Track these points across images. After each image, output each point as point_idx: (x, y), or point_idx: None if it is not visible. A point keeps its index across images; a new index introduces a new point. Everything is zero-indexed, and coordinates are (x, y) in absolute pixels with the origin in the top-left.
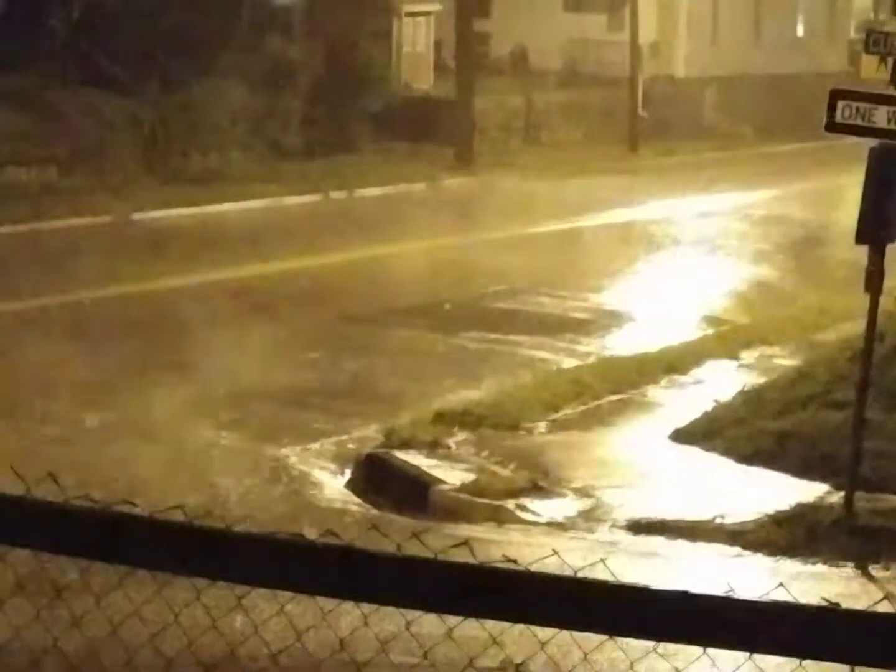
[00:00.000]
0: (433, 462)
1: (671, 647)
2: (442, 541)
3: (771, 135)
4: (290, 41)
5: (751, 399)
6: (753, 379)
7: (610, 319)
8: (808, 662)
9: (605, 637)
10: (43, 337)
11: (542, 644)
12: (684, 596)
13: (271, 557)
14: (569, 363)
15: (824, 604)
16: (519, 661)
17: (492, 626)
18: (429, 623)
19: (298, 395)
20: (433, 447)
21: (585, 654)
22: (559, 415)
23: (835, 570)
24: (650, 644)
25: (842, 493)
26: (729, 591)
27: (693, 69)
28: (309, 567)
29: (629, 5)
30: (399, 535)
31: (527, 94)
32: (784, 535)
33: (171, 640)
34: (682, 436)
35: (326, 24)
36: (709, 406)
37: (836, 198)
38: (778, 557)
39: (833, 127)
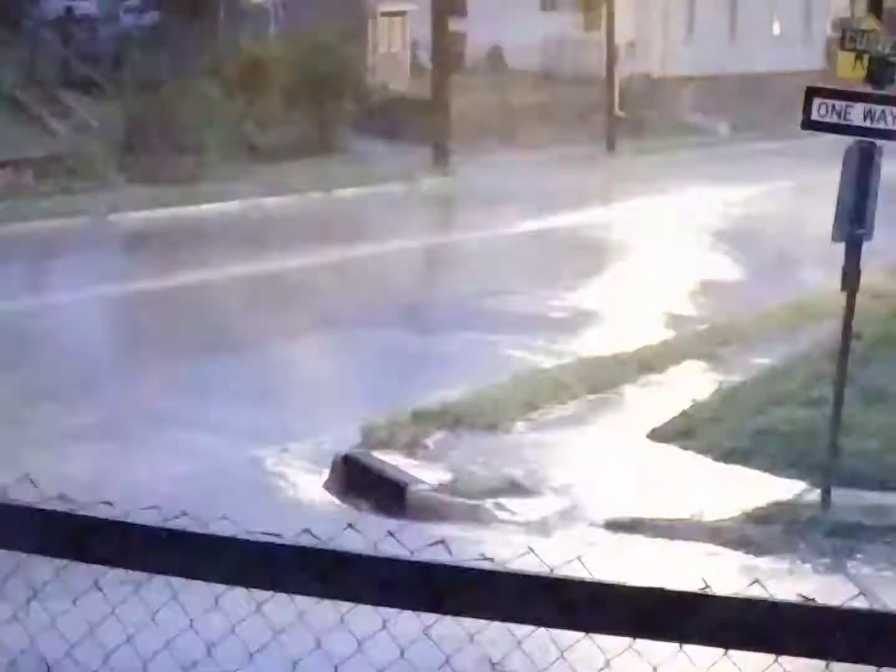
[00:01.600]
0: (411, 462)
1: (647, 645)
2: (419, 540)
3: (748, 133)
4: (266, 42)
5: (728, 397)
6: (731, 377)
7: (587, 318)
8: (783, 658)
9: (581, 634)
10: (13, 340)
11: (519, 642)
12: (660, 592)
13: (248, 557)
14: (546, 362)
15: (800, 600)
16: (496, 659)
17: (468, 623)
18: (406, 621)
19: (277, 395)
20: (411, 447)
21: (562, 652)
22: (537, 414)
23: (811, 566)
24: (626, 641)
25: (819, 491)
26: (704, 588)
27: (670, 68)
28: (286, 566)
29: (605, 5)
30: (376, 534)
31: (503, 93)
32: (761, 532)
33: (148, 641)
34: (659, 434)
35: (302, 25)
36: (686, 404)
37: (812, 195)
38: (755, 555)
39: (809, 125)
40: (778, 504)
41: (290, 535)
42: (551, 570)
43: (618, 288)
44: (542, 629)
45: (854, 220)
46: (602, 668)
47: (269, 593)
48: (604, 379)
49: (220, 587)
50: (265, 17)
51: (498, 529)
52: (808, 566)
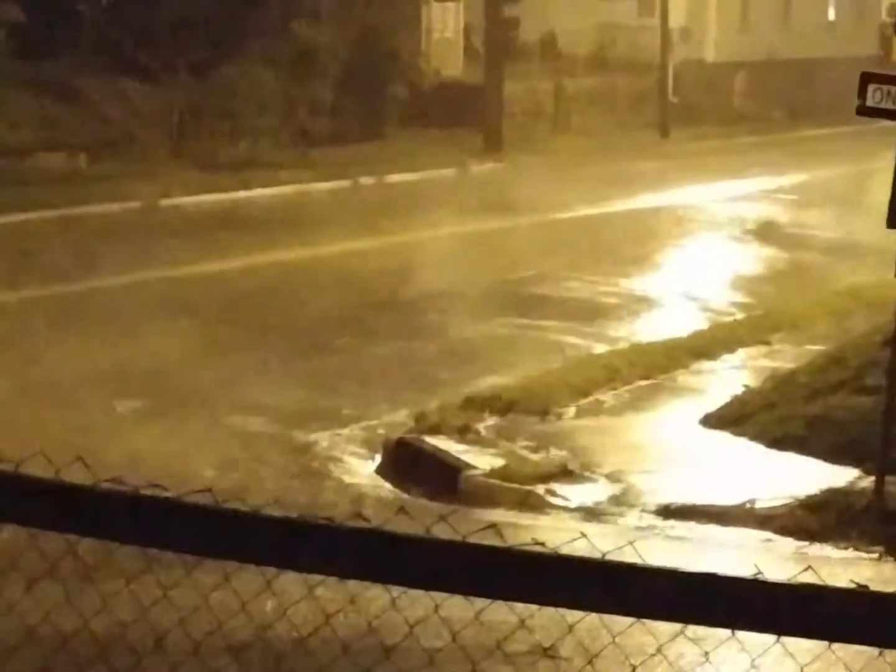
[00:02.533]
0: (463, 447)
1: (700, 631)
2: (471, 524)
3: (802, 119)
4: (318, 27)
5: (781, 384)
6: (783, 364)
7: (640, 304)
8: (836, 646)
9: (633, 620)
10: (72, 324)
11: (571, 627)
12: (713, 578)
13: (300, 541)
14: (599, 348)
15: (853, 587)
16: (547, 644)
17: (520, 609)
18: (457, 606)
19: (328, 380)
20: (463, 432)
21: (614, 638)
22: (589, 400)
23: (865, 555)
24: (679, 627)
25: (872, 479)
26: (757, 574)
27: (724, 54)
28: (337, 550)
29: None
30: (428, 519)
31: (556, 79)
32: (814, 520)
33: (201, 624)
34: (711, 421)
35: (355, 10)
36: (738, 391)
37: (866, 182)
38: (807, 542)
39: (864, 110)
40: (831, 491)
41: (342, 518)
42: (603, 556)
43: (671, 274)
44: (594, 614)
45: None
46: (654, 654)
47: (320, 577)
48: (656, 365)
49: (271, 570)
50: (318, 1)
51: (550, 515)
52: (861, 553)
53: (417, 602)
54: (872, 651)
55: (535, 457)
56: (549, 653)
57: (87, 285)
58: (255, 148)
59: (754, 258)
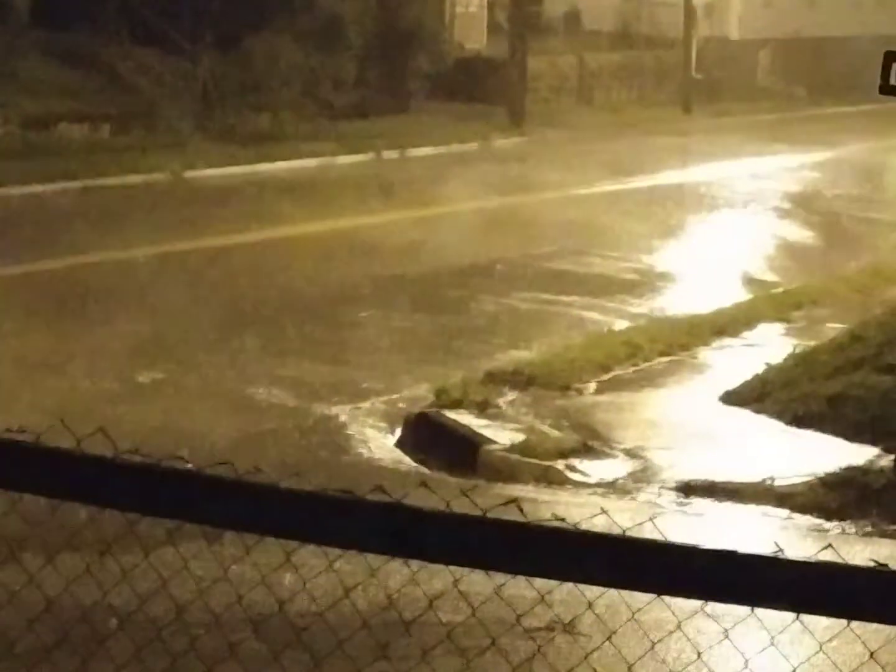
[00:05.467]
0: (483, 422)
1: (719, 608)
2: (491, 499)
3: (825, 97)
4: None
5: (802, 361)
6: (805, 341)
7: (661, 280)
8: (855, 624)
9: (653, 596)
10: (94, 296)
11: (590, 603)
12: (732, 556)
13: (320, 514)
14: (620, 324)
15: (872, 565)
16: (567, 620)
17: (540, 584)
18: (477, 581)
19: (349, 353)
20: (483, 407)
21: (633, 614)
22: (610, 375)
23: (885, 533)
24: (698, 604)
25: (892, 457)
26: (777, 552)
27: (747, 31)
28: (357, 524)
29: None
30: (448, 494)
31: (580, 54)
32: (834, 498)
33: (220, 596)
34: (732, 398)
35: None
36: (759, 368)
37: (889, 161)
38: (827, 520)
39: (887, 89)
40: (851, 469)
41: (362, 492)
42: (623, 532)
43: (692, 250)
44: (613, 591)
45: None
46: (673, 631)
47: (339, 550)
48: (677, 341)
49: (291, 543)
50: None
51: (570, 490)
52: (881, 532)
53: (437, 576)
54: (891, 629)
55: (555, 432)
56: (568, 628)
57: (108, 257)
58: (279, 120)
59: (776, 235)
